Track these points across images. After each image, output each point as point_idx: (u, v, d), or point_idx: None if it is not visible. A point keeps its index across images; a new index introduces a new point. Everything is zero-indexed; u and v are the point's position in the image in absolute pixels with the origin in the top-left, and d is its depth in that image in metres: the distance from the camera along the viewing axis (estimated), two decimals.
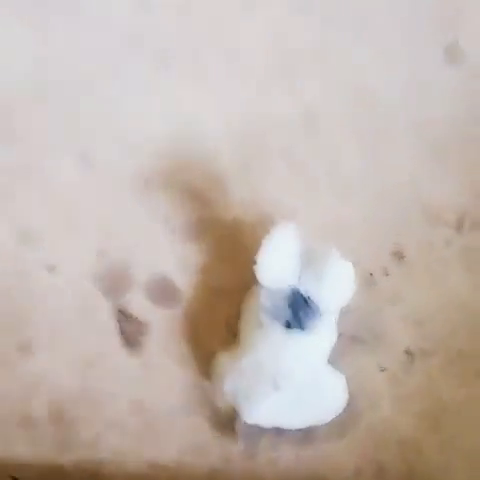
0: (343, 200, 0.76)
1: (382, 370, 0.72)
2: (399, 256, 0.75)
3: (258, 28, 0.80)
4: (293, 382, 0.66)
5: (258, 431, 0.69)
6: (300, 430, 0.68)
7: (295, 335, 0.67)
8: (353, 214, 0.76)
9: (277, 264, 0.66)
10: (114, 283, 0.73)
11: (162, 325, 0.72)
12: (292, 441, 0.70)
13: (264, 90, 0.78)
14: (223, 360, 0.69)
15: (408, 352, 0.73)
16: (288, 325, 0.67)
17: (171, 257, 0.74)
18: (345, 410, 0.69)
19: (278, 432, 0.69)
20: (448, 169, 0.77)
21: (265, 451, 0.70)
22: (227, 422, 0.69)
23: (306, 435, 0.70)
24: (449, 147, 0.77)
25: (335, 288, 0.67)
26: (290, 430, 0.69)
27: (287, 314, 0.67)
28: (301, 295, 0.67)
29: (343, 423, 0.70)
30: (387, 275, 0.75)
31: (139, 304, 0.72)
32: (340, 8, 0.80)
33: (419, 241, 0.75)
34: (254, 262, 0.66)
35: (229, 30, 0.80)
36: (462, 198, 0.76)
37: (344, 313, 0.72)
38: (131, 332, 0.71)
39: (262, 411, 0.66)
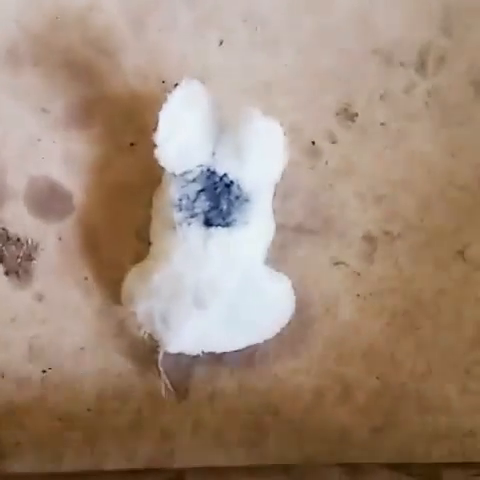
0: (267, 51, 0.58)
1: (337, 264, 0.57)
2: (348, 115, 0.58)
3: None
4: (220, 295, 0.51)
5: (186, 360, 0.55)
6: (239, 352, 0.53)
7: (218, 233, 0.51)
8: (284, 67, 0.58)
9: (181, 139, 0.50)
10: None
11: (53, 243, 0.56)
12: (231, 368, 0.56)
13: None
14: (133, 277, 0.53)
15: (368, 238, 0.57)
16: (207, 221, 0.51)
17: (54, 153, 0.57)
18: (294, 320, 0.54)
19: (213, 358, 0.54)
20: None
21: (198, 385, 0.56)
22: (148, 355, 0.55)
23: (248, 358, 0.56)
24: None
25: (261, 159, 0.50)
26: (227, 353, 0.54)
27: (204, 206, 0.51)
28: (219, 177, 0.51)
29: (294, 337, 0.56)
30: (334, 142, 0.58)
31: (20, 220, 0.56)
32: None
33: (371, 92, 0.58)
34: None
35: None
36: (422, 31, 0.59)
37: (283, 196, 0.56)
38: (14, 257, 0.56)
39: (185, 336, 0.51)
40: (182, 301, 0.50)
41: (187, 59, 0.58)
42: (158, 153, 0.49)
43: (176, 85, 0.56)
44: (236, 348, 0.53)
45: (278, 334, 0.54)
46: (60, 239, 0.56)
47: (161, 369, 0.54)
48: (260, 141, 0.50)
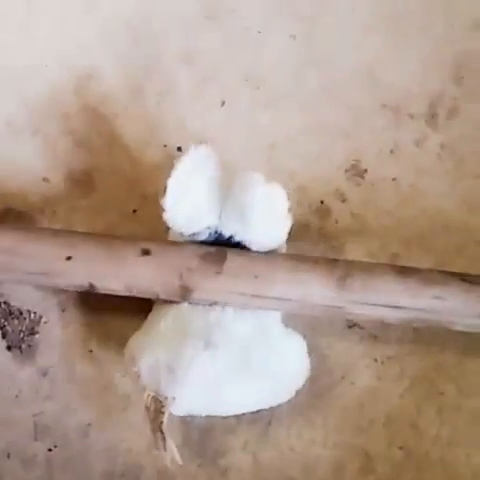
0: (272, 111, 0.58)
1: (351, 327, 0.55)
2: (357, 172, 0.58)
3: None
4: (231, 337, 0.50)
5: (197, 435, 0.53)
6: (252, 423, 0.52)
7: None
8: (289, 125, 0.58)
9: (190, 202, 0.50)
10: None
11: (56, 316, 0.56)
12: (244, 441, 0.54)
13: None
14: (137, 336, 0.52)
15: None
16: None
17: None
18: (308, 388, 0.53)
19: (225, 430, 0.53)
20: (410, 44, 0.58)
21: (211, 460, 0.54)
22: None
23: (262, 430, 0.55)
24: (408, 12, 0.58)
25: (264, 224, 0.50)
26: (240, 427, 0.53)
27: None
28: (226, 238, 0.51)
29: (308, 406, 0.56)
30: (343, 201, 0.57)
31: (22, 293, 0.56)
32: None
33: (381, 147, 0.58)
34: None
35: None
36: (432, 79, 0.58)
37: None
38: (17, 332, 0.55)
39: (193, 385, 0.49)
40: (190, 346, 0.49)
41: (188, 122, 0.58)
42: (167, 216, 0.49)
43: (179, 149, 0.57)
44: (247, 409, 0.52)
45: (292, 403, 0.53)
46: (64, 310, 0.56)
47: (166, 433, 0.50)
48: (263, 206, 0.50)
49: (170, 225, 0.50)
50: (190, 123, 0.58)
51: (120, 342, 0.53)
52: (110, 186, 0.57)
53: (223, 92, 0.58)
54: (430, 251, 0.57)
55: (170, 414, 0.49)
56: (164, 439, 0.49)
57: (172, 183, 0.49)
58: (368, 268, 0.51)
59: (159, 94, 0.58)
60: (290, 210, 0.51)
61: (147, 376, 0.50)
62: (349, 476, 0.55)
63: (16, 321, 0.55)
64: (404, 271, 0.51)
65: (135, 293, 0.50)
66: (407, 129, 0.58)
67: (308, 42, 0.59)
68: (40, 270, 0.49)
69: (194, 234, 0.51)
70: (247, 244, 0.51)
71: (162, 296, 0.50)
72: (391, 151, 0.58)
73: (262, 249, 0.51)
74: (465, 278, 0.51)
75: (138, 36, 0.59)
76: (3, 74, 0.58)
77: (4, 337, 0.55)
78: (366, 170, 0.58)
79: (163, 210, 0.49)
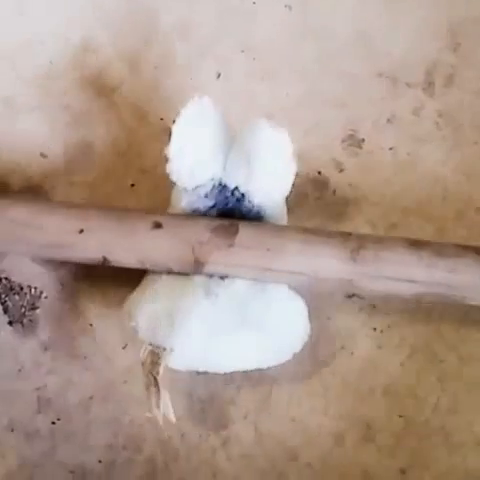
0: (268, 81, 0.59)
1: (350, 297, 0.57)
2: (354, 142, 0.59)
3: None
4: (231, 288, 0.51)
5: (198, 405, 0.55)
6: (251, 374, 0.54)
7: None
8: (285, 96, 0.60)
9: (193, 153, 0.51)
10: None
11: (56, 290, 0.58)
12: (245, 412, 0.55)
13: None
14: (137, 291, 0.53)
15: None
16: None
17: (55, 198, 0.58)
18: (308, 358, 0.56)
19: (224, 401, 0.54)
20: (406, 11, 0.59)
21: (212, 431, 0.56)
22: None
23: (263, 401, 0.56)
24: None
25: (270, 170, 0.51)
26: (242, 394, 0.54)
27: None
28: (230, 191, 0.53)
29: (309, 376, 0.57)
30: (341, 171, 0.58)
31: (22, 268, 0.58)
32: None
33: (378, 116, 0.59)
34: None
35: None
36: (428, 46, 0.58)
37: None
38: (18, 307, 0.57)
39: (192, 335, 0.50)
40: (190, 294, 0.51)
41: (185, 94, 0.58)
42: (170, 168, 0.51)
43: (174, 122, 0.58)
44: (245, 366, 0.53)
45: (292, 373, 0.55)
46: (63, 285, 0.57)
47: (161, 388, 0.51)
48: (268, 152, 0.51)
49: (173, 178, 0.52)
50: (186, 96, 0.59)
51: (120, 315, 0.55)
52: (108, 161, 0.59)
53: (219, 64, 0.60)
54: (429, 219, 0.58)
55: (168, 368, 0.51)
56: (159, 396, 0.50)
57: (176, 132, 0.51)
58: (381, 241, 0.52)
59: (155, 67, 0.60)
60: (294, 157, 0.52)
61: (145, 327, 0.51)
62: (350, 445, 0.57)
63: (17, 296, 0.57)
64: (417, 244, 0.52)
65: (148, 266, 0.52)
66: (404, 98, 0.59)
67: (303, 12, 0.60)
68: (53, 243, 0.51)
69: (198, 187, 0.52)
70: (251, 197, 0.52)
71: (175, 269, 0.52)
72: (388, 120, 0.59)
73: (266, 201, 0.53)
74: (479, 250, 0.52)
75: (133, 9, 0.60)
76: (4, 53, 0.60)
77: (6, 312, 0.57)
78: (363, 139, 0.59)
79: (166, 161, 0.50)
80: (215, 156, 0.52)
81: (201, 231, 0.51)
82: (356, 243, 0.51)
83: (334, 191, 0.59)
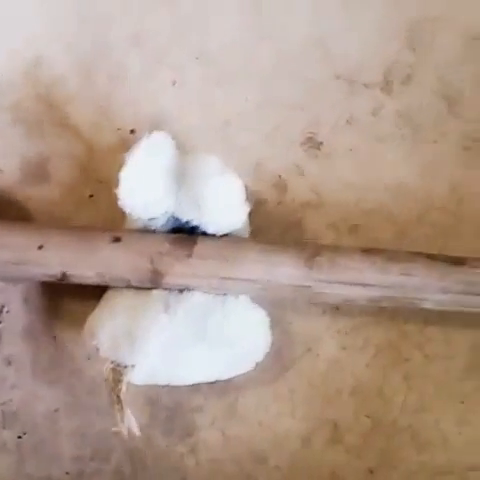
0: (225, 88, 0.60)
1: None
2: (313, 144, 0.59)
3: None
4: (190, 304, 0.52)
5: (164, 413, 0.55)
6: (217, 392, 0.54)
7: None
8: (243, 101, 0.60)
9: (144, 188, 0.52)
10: None
11: (19, 305, 0.58)
12: (212, 418, 0.56)
13: None
14: (97, 310, 0.54)
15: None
16: None
17: (11, 212, 0.58)
18: (275, 362, 0.56)
19: (192, 408, 0.54)
20: (362, 13, 0.60)
21: (179, 437, 0.56)
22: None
23: (230, 406, 0.56)
24: None
25: (219, 211, 0.53)
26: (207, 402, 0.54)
27: None
28: (183, 223, 0.53)
29: (275, 379, 0.58)
30: (301, 174, 0.58)
31: None
32: None
33: (337, 118, 0.59)
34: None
35: None
36: (385, 48, 0.59)
37: (253, 235, 0.57)
38: None
39: (152, 350, 0.51)
40: (149, 310, 0.51)
41: (140, 104, 0.60)
42: (123, 203, 0.51)
43: (132, 131, 0.58)
44: (206, 378, 0.54)
45: (259, 378, 0.55)
46: (25, 299, 0.57)
47: (124, 404, 0.51)
48: (217, 197, 0.52)
49: (127, 211, 0.52)
50: (142, 105, 0.60)
51: (83, 326, 0.55)
52: (65, 172, 0.59)
53: (174, 72, 0.60)
54: (391, 220, 0.59)
55: (130, 384, 0.51)
56: (122, 411, 0.51)
57: (126, 170, 0.51)
58: (336, 248, 0.53)
59: (110, 77, 0.60)
60: (248, 198, 0.53)
61: (106, 346, 0.52)
62: (318, 447, 0.57)
63: None
64: (371, 250, 0.53)
65: (107, 280, 0.52)
66: (362, 99, 0.60)
67: (258, 16, 0.60)
68: (12, 260, 0.52)
69: (151, 219, 0.53)
70: (204, 229, 0.53)
71: (134, 283, 0.52)
72: (347, 121, 0.59)
73: (219, 233, 0.53)
74: (430, 255, 0.53)
75: (85, 20, 0.60)
76: None
77: None
78: (322, 142, 0.59)
79: (118, 197, 0.51)
80: (167, 192, 0.52)
81: (160, 243, 0.52)
82: (311, 251, 0.52)
83: (295, 194, 0.59)
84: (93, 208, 0.59)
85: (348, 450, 0.58)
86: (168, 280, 0.51)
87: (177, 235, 0.53)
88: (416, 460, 0.58)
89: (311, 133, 0.60)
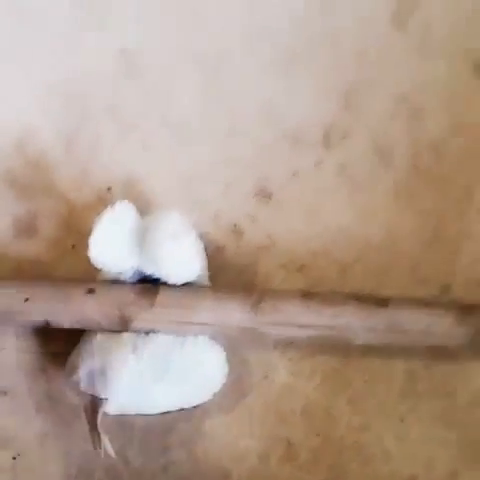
0: (187, 149, 0.69)
1: None
2: (265, 195, 0.67)
3: None
4: (154, 343, 0.61)
5: (139, 434, 0.63)
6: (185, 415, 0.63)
7: None
8: (202, 160, 0.69)
9: (111, 249, 0.61)
10: None
11: (12, 342, 0.67)
12: (181, 439, 0.64)
13: (74, 40, 0.69)
14: (76, 350, 0.64)
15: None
16: None
17: (6, 264, 0.67)
18: (235, 388, 0.65)
19: (163, 431, 0.63)
20: (303, 79, 0.69)
21: (151, 458, 0.64)
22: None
23: (197, 428, 0.64)
24: (299, 51, 0.69)
25: (177, 265, 0.62)
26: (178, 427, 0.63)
27: None
28: (147, 275, 0.63)
29: (237, 404, 0.66)
30: (254, 221, 0.67)
31: None
32: None
33: (284, 171, 0.68)
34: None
35: None
36: (325, 109, 0.68)
37: (213, 278, 0.65)
38: None
39: (123, 386, 0.60)
40: (119, 351, 0.61)
41: (116, 165, 0.68)
42: (94, 260, 0.61)
43: (109, 189, 0.67)
44: (171, 408, 0.63)
45: (221, 402, 0.64)
46: (17, 337, 0.66)
47: (101, 431, 0.61)
48: (173, 252, 0.61)
49: (98, 267, 0.62)
50: (117, 167, 0.69)
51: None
52: (51, 227, 0.69)
53: (143, 137, 0.69)
54: (333, 261, 0.67)
55: (105, 414, 0.61)
56: (99, 436, 0.61)
57: (95, 235, 0.60)
58: (278, 294, 0.63)
59: (89, 144, 0.69)
60: (205, 247, 0.63)
61: (85, 381, 0.61)
62: (274, 463, 0.65)
63: None
64: (308, 294, 0.62)
65: (83, 326, 0.62)
66: (306, 154, 0.68)
67: (215, 85, 0.69)
68: (2, 311, 0.62)
69: (119, 273, 0.63)
70: (166, 279, 0.62)
71: (106, 328, 0.62)
72: (293, 174, 0.68)
73: (178, 283, 0.62)
74: (359, 297, 0.61)
75: (67, 95, 0.69)
76: None
77: None
78: (272, 193, 0.67)
79: (90, 256, 0.61)
80: (131, 251, 0.61)
81: (127, 293, 0.61)
82: (256, 297, 0.61)
83: (250, 240, 0.68)
84: (75, 256, 0.68)
85: (301, 465, 0.65)
86: (135, 325, 0.61)
87: (142, 285, 0.62)
88: (362, 472, 0.65)
89: (262, 185, 0.69)
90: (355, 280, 0.67)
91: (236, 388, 0.65)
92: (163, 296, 0.61)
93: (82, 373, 0.61)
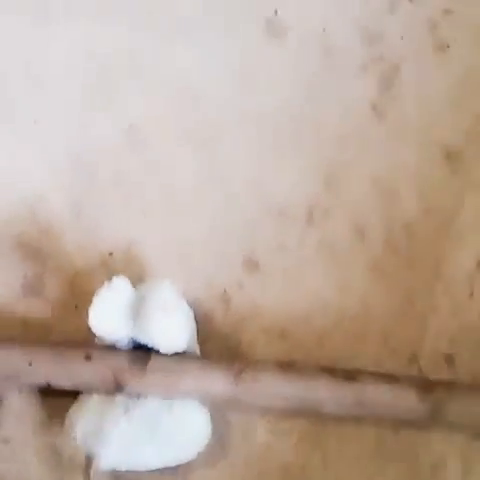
0: (182, 218, 0.75)
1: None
2: (252, 264, 0.73)
3: (64, 47, 0.78)
4: (143, 407, 0.67)
5: None
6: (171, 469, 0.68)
7: None
8: (196, 230, 0.75)
9: (107, 321, 0.68)
10: None
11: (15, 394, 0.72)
12: None
13: (84, 117, 0.76)
14: (74, 408, 0.70)
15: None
16: None
17: (14, 321, 0.74)
18: (216, 445, 0.70)
19: None
20: (288, 160, 0.75)
21: None
22: None
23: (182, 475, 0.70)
24: (286, 134, 0.77)
25: (167, 337, 0.68)
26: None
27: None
28: (139, 345, 0.69)
29: (218, 460, 0.71)
30: (241, 288, 0.73)
31: None
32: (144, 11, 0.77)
33: (269, 243, 0.74)
34: None
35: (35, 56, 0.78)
36: (308, 188, 0.74)
37: (200, 342, 0.71)
38: None
39: (114, 444, 0.66)
40: (113, 413, 0.67)
41: (118, 231, 0.75)
42: (93, 329, 0.68)
43: (110, 254, 0.73)
44: (158, 466, 0.69)
45: (205, 458, 0.69)
46: (21, 392, 0.72)
47: None
48: (164, 320, 0.67)
49: (96, 335, 0.68)
50: (119, 232, 0.75)
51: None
52: (57, 288, 0.75)
53: (144, 206, 0.75)
54: (311, 327, 0.73)
55: (99, 469, 0.67)
56: None
57: (94, 308, 0.67)
58: (258, 365, 0.69)
59: (95, 211, 0.76)
60: (195, 314, 0.69)
61: (81, 438, 0.68)
62: None
63: None
64: (285, 367, 0.68)
65: (81, 389, 0.69)
66: (290, 229, 0.74)
67: (208, 162, 0.76)
68: (7, 374, 0.68)
69: (116, 340, 0.69)
70: (158, 348, 0.68)
71: (101, 392, 0.69)
72: (278, 247, 0.74)
73: (170, 350, 0.68)
74: (330, 371, 0.68)
75: (77, 167, 0.76)
76: None
77: None
78: (258, 263, 0.74)
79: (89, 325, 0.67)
80: (126, 322, 0.67)
81: (121, 361, 0.68)
82: (238, 368, 0.67)
83: (237, 305, 0.74)
84: (78, 316, 0.74)
85: None
86: (128, 390, 0.67)
87: (135, 353, 0.68)
88: None
89: (250, 256, 0.75)
90: (331, 347, 0.72)
91: (218, 447, 0.71)
92: (154, 363, 0.67)
93: (79, 430, 0.68)
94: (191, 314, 0.71)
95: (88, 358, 0.68)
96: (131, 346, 0.70)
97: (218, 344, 0.74)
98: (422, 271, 0.74)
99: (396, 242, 0.74)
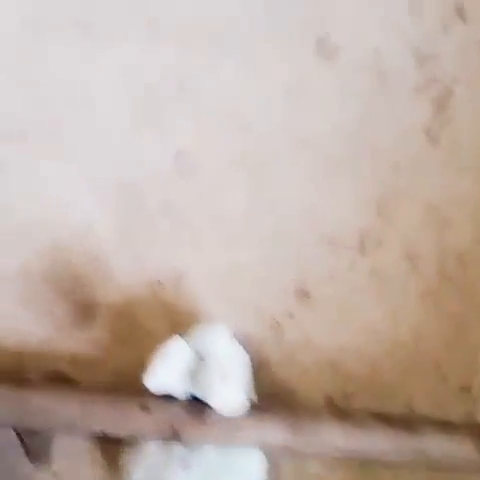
0: (232, 247, 0.74)
1: None
2: (303, 294, 0.73)
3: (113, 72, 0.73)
4: (203, 459, 0.67)
5: None
6: None
7: None
8: (246, 260, 0.75)
9: (165, 380, 0.67)
10: None
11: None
12: None
13: (132, 144, 0.74)
14: (130, 456, 0.70)
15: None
16: None
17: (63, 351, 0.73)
18: None
19: None
20: (341, 186, 0.74)
21: None
22: None
23: None
24: (339, 160, 0.75)
25: (227, 401, 0.67)
26: None
27: None
28: (197, 402, 0.68)
29: None
30: (292, 318, 0.73)
31: None
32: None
33: (321, 271, 0.74)
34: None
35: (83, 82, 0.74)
36: (360, 216, 0.73)
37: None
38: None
39: None
40: (170, 466, 0.68)
41: (166, 260, 0.73)
42: (151, 388, 0.67)
43: (159, 282, 0.72)
44: None
45: None
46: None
47: None
48: (222, 390, 0.67)
49: (154, 393, 0.68)
50: (167, 261, 0.74)
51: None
52: (107, 316, 0.74)
53: (194, 233, 0.74)
54: (364, 358, 0.73)
55: None
56: None
57: (151, 370, 0.67)
58: (313, 415, 0.69)
59: (144, 240, 0.74)
60: (249, 364, 0.69)
61: None
62: None
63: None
64: (341, 415, 0.69)
65: (138, 438, 0.69)
66: (341, 256, 0.74)
67: (260, 189, 0.74)
68: (64, 424, 0.68)
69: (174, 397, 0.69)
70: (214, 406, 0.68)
71: (158, 441, 0.68)
72: (329, 275, 0.73)
73: (226, 409, 0.68)
74: (388, 420, 0.68)
75: (126, 193, 0.74)
76: (18, 230, 0.73)
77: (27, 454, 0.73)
78: (309, 292, 0.73)
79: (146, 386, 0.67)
80: (183, 380, 0.67)
81: (178, 412, 0.68)
82: (294, 418, 0.68)
83: (288, 334, 0.74)
84: (128, 346, 0.74)
85: None
86: (185, 440, 0.67)
87: (193, 404, 0.68)
88: None
89: (301, 284, 0.74)
90: (382, 376, 0.73)
91: None
92: (210, 415, 0.67)
93: (137, 476, 0.68)
94: (247, 359, 0.70)
95: (145, 408, 0.67)
96: (188, 397, 0.69)
97: (270, 379, 0.74)
98: (475, 301, 0.74)
99: (449, 271, 0.74)
